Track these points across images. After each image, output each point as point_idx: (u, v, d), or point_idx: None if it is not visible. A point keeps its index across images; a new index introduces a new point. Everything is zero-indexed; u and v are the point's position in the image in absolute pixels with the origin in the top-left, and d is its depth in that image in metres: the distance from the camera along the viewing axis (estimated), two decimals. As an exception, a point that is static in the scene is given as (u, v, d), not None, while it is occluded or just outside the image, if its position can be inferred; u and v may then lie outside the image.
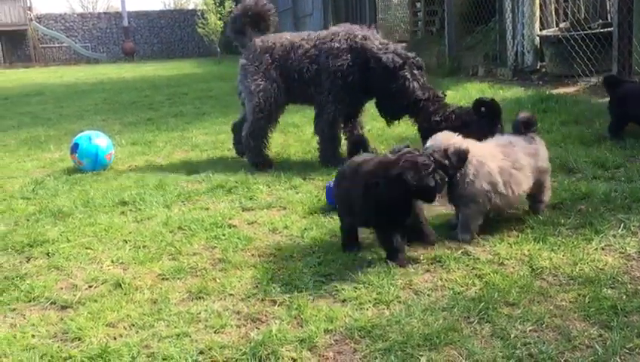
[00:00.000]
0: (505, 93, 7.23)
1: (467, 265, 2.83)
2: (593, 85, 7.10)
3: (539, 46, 8.45)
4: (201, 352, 2.25)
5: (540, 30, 8.45)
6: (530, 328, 2.25)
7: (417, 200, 2.90)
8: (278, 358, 2.18)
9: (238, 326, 2.44)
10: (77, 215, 4.02)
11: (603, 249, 2.89)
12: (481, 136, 3.39)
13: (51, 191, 4.71)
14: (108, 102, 10.97)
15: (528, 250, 2.91)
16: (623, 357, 2.04)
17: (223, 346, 2.27)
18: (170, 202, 4.21)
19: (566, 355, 2.07)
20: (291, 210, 3.86)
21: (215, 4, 24.20)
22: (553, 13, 8.66)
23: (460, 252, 2.97)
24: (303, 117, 6.61)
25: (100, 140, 5.35)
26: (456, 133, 3.17)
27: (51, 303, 2.76)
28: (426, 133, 4.09)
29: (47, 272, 3.11)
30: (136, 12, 34.53)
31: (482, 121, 3.94)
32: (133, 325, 2.49)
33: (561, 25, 8.37)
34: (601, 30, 7.30)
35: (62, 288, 2.92)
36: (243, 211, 3.94)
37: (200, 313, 2.55)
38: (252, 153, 5.07)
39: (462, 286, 2.62)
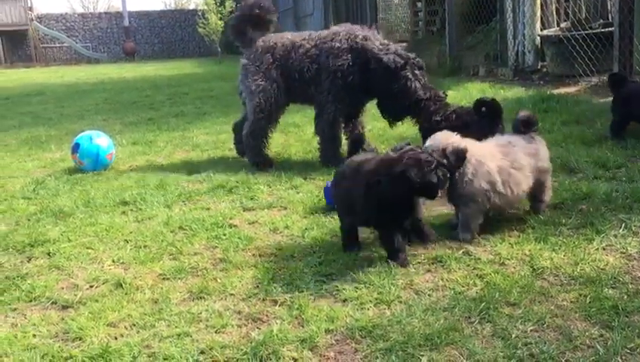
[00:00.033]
0: (506, 93, 7.22)
1: (468, 265, 2.83)
2: (594, 85, 7.10)
3: (540, 46, 8.45)
4: (202, 352, 2.25)
5: (541, 30, 8.45)
6: (532, 328, 2.24)
7: (419, 197, 2.90)
8: (279, 358, 2.18)
9: (239, 326, 2.44)
10: (78, 215, 4.02)
11: (604, 249, 2.88)
12: (481, 135, 3.39)
13: (52, 191, 4.71)
14: (109, 102, 10.97)
15: (529, 250, 2.91)
16: (624, 357, 2.03)
17: (223, 346, 2.27)
18: (171, 202, 4.21)
19: (567, 355, 2.07)
20: (292, 210, 3.86)
21: (216, 4, 24.20)
22: (554, 13, 8.66)
23: (460, 252, 2.97)
24: (304, 117, 6.61)
25: (100, 140, 5.35)
26: (456, 133, 3.18)
27: (52, 303, 2.76)
28: (426, 132, 4.08)
29: (48, 272, 3.12)
30: (137, 12, 34.54)
31: (483, 120, 3.94)
32: (134, 325, 2.49)
33: (562, 25, 8.36)
34: (602, 30, 7.30)
35: (63, 288, 2.92)
36: (244, 211, 3.94)
37: (201, 313, 2.55)
38: (252, 152, 5.08)
39: (463, 286, 2.62)
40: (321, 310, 2.48)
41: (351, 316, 2.43)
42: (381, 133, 5.72)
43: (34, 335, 2.47)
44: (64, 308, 2.71)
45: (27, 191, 4.77)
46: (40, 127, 8.36)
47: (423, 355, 2.12)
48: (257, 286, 2.77)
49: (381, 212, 2.85)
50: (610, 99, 4.93)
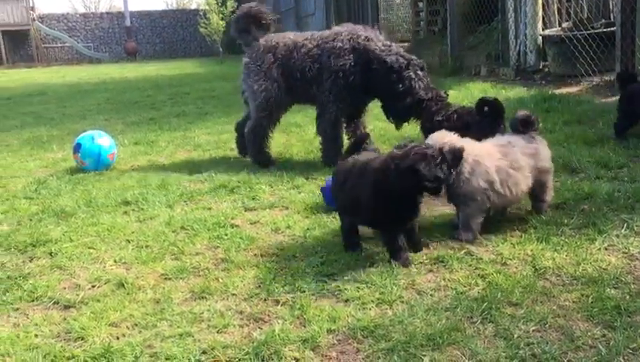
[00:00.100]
0: (507, 93, 7.22)
1: (470, 265, 2.83)
2: (596, 85, 7.09)
3: (541, 46, 8.44)
4: (204, 352, 2.25)
5: (543, 30, 8.44)
6: (534, 328, 2.24)
7: (424, 193, 2.91)
8: (281, 358, 2.18)
9: (241, 326, 2.44)
10: (80, 215, 4.02)
11: (606, 249, 2.88)
12: (482, 135, 3.39)
13: (54, 191, 4.71)
14: (110, 102, 10.98)
15: (531, 250, 2.91)
16: (626, 357, 2.03)
17: (225, 346, 2.27)
18: (173, 202, 4.21)
19: (569, 355, 2.07)
20: (294, 210, 3.86)
21: (217, 4, 24.22)
22: (556, 12, 8.66)
23: (462, 252, 2.97)
24: (305, 116, 6.61)
25: (102, 140, 5.36)
26: (454, 133, 3.19)
27: (54, 303, 2.76)
28: (428, 132, 4.07)
29: (50, 272, 3.12)
30: (138, 12, 34.56)
31: (484, 120, 3.93)
32: (136, 325, 2.49)
33: (564, 24, 8.36)
34: (604, 30, 7.29)
35: (65, 288, 2.92)
36: (245, 211, 3.94)
37: (203, 313, 2.55)
38: (254, 150, 5.12)
39: (465, 286, 2.62)
40: (322, 310, 2.48)
41: (353, 316, 2.43)
42: (382, 133, 5.72)
43: (36, 335, 2.47)
44: (66, 307, 2.71)
45: (29, 191, 4.78)
46: (42, 127, 8.37)
47: (425, 355, 2.12)
48: (259, 286, 2.77)
49: (386, 210, 2.85)
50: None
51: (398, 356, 2.13)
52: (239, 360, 2.20)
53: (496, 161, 3.10)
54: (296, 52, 4.89)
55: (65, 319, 2.59)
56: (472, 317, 2.35)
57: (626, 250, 2.84)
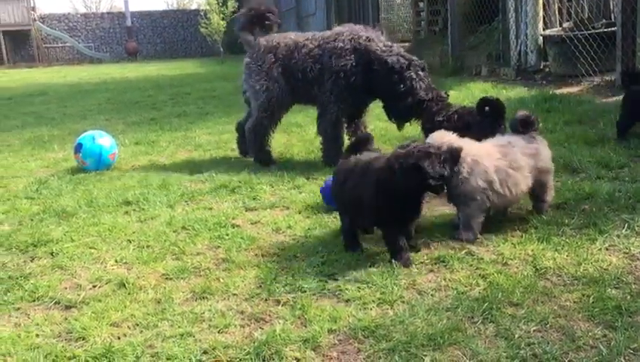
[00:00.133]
0: (508, 93, 7.22)
1: (471, 265, 2.83)
2: (597, 85, 7.09)
3: (542, 46, 8.44)
4: (205, 352, 2.25)
5: (544, 30, 8.44)
6: (534, 328, 2.24)
7: (427, 192, 2.93)
8: (282, 358, 2.18)
9: (242, 326, 2.44)
10: (81, 215, 4.03)
11: (607, 249, 2.88)
12: (482, 135, 3.39)
13: (55, 190, 4.72)
14: (111, 102, 10.99)
15: (532, 250, 2.91)
16: (627, 358, 2.03)
17: (226, 346, 2.28)
18: (174, 202, 4.21)
19: (570, 355, 2.07)
20: (294, 210, 3.86)
21: (218, 4, 24.23)
22: (557, 12, 8.65)
23: (463, 252, 2.97)
24: (306, 116, 6.61)
25: (103, 140, 5.36)
26: (454, 133, 3.19)
27: (55, 303, 2.77)
28: (428, 133, 4.08)
29: (51, 272, 3.12)
30: (139, 12, 34.54)
31: (484, 120, 3.93)
32: (137, 325, 2.50)
33: (565, 25, 8.35)
34: (605, 30, 7.29)
35: (66, 288, 2.93)
36: (246, 211, 3.94)
37: (204, 313, 2.55)
38: (254, 148, 5.15)
39: (465, 286, 2.62)
40: (323, 310, 2.48)
41: (354, 316, 2.43)
42: (383, 133, 5.72)
43: (37, 335, 2.47)
44: (67, 307, 2.72)
45: (30, 191, 4.78)
46: (43, 127, 8.37)
47: (425, 355, 2.12)
48: (260, 286, 2.77)
49: (389, 209, 2.86)
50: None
51: (399, 356, 2.13)
52: (240, 360, 2.20)
53: (496, 161, 3.10)
54: (297, 52, 4.89)
55: (66, 319, 2.59)
56: (472, 317, 2.35)
57: (627, 250, 2.84)
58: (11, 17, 30.48)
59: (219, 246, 3.32)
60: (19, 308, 2.74)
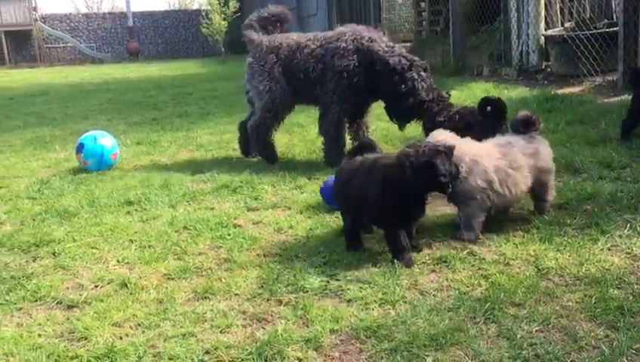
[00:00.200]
0: (510, 93, 7.21)
1: (473, 266, 2.83)
2: (598, 85, 7.09)
3: (544, 46, 8.43)
4: (207, 352, 2.25)
5: (545, 30, 8.43)
6: (537, 328, 2.24)
7: (434, 191, 2.95)
8: (284, 358, 2.18)
9: (244, 326, 2.44)
10: (83, 215, 4.03)
11: (609, 249, 2.88)
12: (483, 135, 3.39)
13: (57, 191, 4.72)
14: (113, 102, 11.00)
15: (534, 250, 2.91)
16: (629, 358, 2.03)
17: (228, 346, 2.28)
18: (176, 202, 4.22)
19: (572, 356, 2.07)
20: (296, 210, 3.86)
21: (219, 4, 24.21)
22: (558, 12, 8.64)
23: (465, 252, 2.97)
24: (308, 117, 6.60)
25: (105, 140, 5.37)
26: (455, 133, 3.20)
27: (57, 303, 2.77)
28: (429, 133, 4.08)
29: (54, 272, 3.12)
30: (140, 12, 34.56)
31: (485, 120, 3.93)
32: (139, 325, 2.50)
33: (567, 24, 8.35)
34: (607, 30, 7.28)
35: (68, 288, 2.93)
36: (248, 211, 3.95)
37: (206, 313, 2.55)
38: (259, 147, 5.21)
39: (467, 287, 2.62)
40: (325, 310, 2.48)
41: (355, 316, 2.43)
42: (385, 134, 5.72)
43: (39, 335, 2.47)
44: (69, 307, 2.72)
45: (32, 191, 4.79)
46: (44, 127, 8.38)
47: (427, 355, 2.12)
48: (262, 286, 2.77)
49: (395, 208, 2.86)
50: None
51: (401, 356, 2.13)
52: (242, 360, 2.20)
53: (495, 160, 3.11)
54: (299, 52, 4.90)
55: (68, 319, 2.60)
56: (474, 318, 2.35)
57: (629, 251, 2.84)
58: (13, 17, 30.51)
59: (221, 247, 3.32)
60: (21, 308, 2.74)
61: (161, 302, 2.69)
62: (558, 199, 3.48)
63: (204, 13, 26.20)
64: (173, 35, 34.38)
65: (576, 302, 2.42)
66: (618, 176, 3.89)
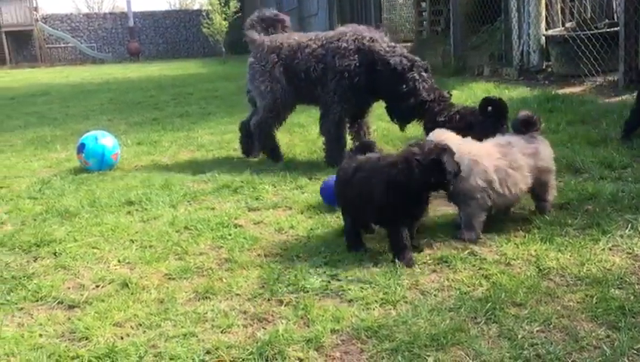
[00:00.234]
0: (511, 93, 7.21)
1: (474, 266, 2.83)
2: (599, 85, 7.08)
3: (545, 46, 8.43)
4: (208, 352, 2.25)
5: (546, 30, 8.43)
6: (538, 328, 2.24)
7: (437, 189, 2.98)
8: (285, 358, 2.18)
9: (245, 326, 2.44)
10: (83, 215, 4.03)
11: (610, 249, 2.88)
12: (484, 135, 3.39)
13: (58, 191, 4.72)
14: (114, 102, 11.00)
15: (535, 251, 2.91)
16: (630, 358, 2.03)
17: (229, 346, 2.28)
18: (177, 202, 4.22)
19: (573, 356, 2.07)
20: (297, 210, 3.86)
21: (220, 4, 24.23)
22: (559, 12, 8.65)
23: (466, 252, 2.97)
24: (309, 117, 6.61)
25: (106, 140, 5.37)
26: (456, 133, 3.20)
27: (58, 303, 2.77)
28: (430, 133, 4.08)
29: (55, 272, 3.12)
30: (141, 12, 34.59)
31: (486, 120, 3.93)
32: (140, 325, 2.50)
33: (567, 24, 8.35)
34: (608, 30, 7.28)
35: (69, 288, 2.93)
36: (249, 211, 3.95)
37: (207, 313, 2.55)
38: (262, 144, 5.26)
39: (468, 287, 2.62)
40: (326, 310, 2.48)
41: (357, 316, 2.43)
42: (386, 134, 5.72)
43: (40, 335, 2.47)
44: (70, 307, 2.72)
45: (33, 191, 4.79)
46: (45, 127, 8.38)
47: (429, 355, 2.12)
48: (263, 286, 2.77)
49: (399, 206, 2.87)
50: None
51: (402, 356, 2.13)
52: (243, 360, 2.20)
53: (495, 160, 3.11)
54: (301, 52, 4.90)
55: (69, 319, 2.60)
56: (475, 318, 2.35)
57: (631, 251, 2.84)
58: (14, 18, 30.54)
59: (221, 247, 3.32)
60: (22, 308, 2.74)
61: (162, 302, 2.69)
62: (559, 199, 3.48)
63: (204, 13, 26.23)
64: (174, 35, 34.41)
65: (578, 302, 2.41)
66: (619, 176, 3.89)
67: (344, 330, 2.33)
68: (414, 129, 5.02)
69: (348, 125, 5.05)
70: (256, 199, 4.17)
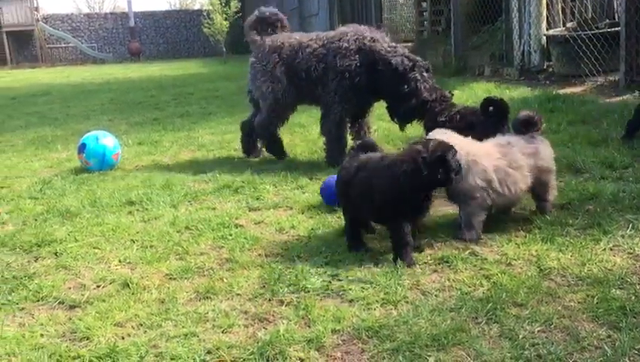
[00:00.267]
0: (511, 93, 7.21)
1: (475, 266, 2.83)
2: (600, 85, 7.08)
3: (545, 46, 8.42)
4: (209, 352, 2.25)
5: (547, 30, 8.43)
6: (539, 329, 2.24)
7: (442, 185, 3.00)
8: (286, 358, 2.18)
9: (246, 326, 2.44)
10: (84, 215, 4.03)
11: (611, 249, 2.88)
12: (485, 135, 3.39)
13: (59, 191, 4.72)
14: (114, 102, 11.00)
15: (536, 251, 2.91)
16: (632, 358, 2.03)
17: (230, 346, 2.28)
18: (177, 202, 4.22)
19: (575, 356, 2.06)
20: (298, 210, 3.86)
21: (221, 4, 24.25)
22: (560, 12, 8.64)
23: (467, 252, 2.97)
24: (310, 117, 6.61)
25: (107, 140, 5.37)
26: (450, 131, 3.22)
27: (59, 303, 2.77)
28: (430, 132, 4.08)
29: (56, 272, 3.12)
30: (142, 12, 34.61)
31: (487, 120, 3.92)
32: (141, 325, 2.50)
33: (568, 24, 8.34)
34: (609, 30, 7.28)
35: (70, 288, 2.93)
36: (250, 211, 3.95)
37: (207, 313, 2.55)
38: (266, 143, 5.31)
39: (469, 287, 2.62)
40: (327, 310, 2.48)
41: (357, 316, 2.43)
42: (386, 134, 5.72)
43: (41, 335, 2.48)
44: (71, 307, 2.72)
45: (34, 191, 4.79)
46: (46, 127, 8.39)
47: (429, 356, 2.12)
48: (264, 286, 2.77)
49: (404, 204, 2.88)
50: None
51: (403, 356, 2.12)
52: (244, 360, 2.20)
53: (495, 160, 3.12)
54: (301, 52, 4.91)
55: (70, 319, 2.60)
56: (476, 318, 2.35)
57: (632, 251, 2.84)
58: (15, 18, 30.56)
59: (222, 247, 3.32)
60: (23, 308, 2.74)
61: (162, 302, 2.69)
62: (560, 199, 3.48)
63: (205, 13, 26.26)
64: (175, 35, 34.43)
65: (579, 303, 2.41)
66: (620, 176, 3.89)
67: (345, 330, 2.33)
68: (415, 129, 5.02)
69: (349, 125, 5.05)
70: (257, 199, 4.17)
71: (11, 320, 2.64)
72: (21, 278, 3.05)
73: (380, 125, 5.92)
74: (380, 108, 5.14)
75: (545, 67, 8.49)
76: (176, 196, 4.33)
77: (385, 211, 2.96)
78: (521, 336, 2.19)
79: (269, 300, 2.64)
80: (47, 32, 32.01)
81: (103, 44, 33.52)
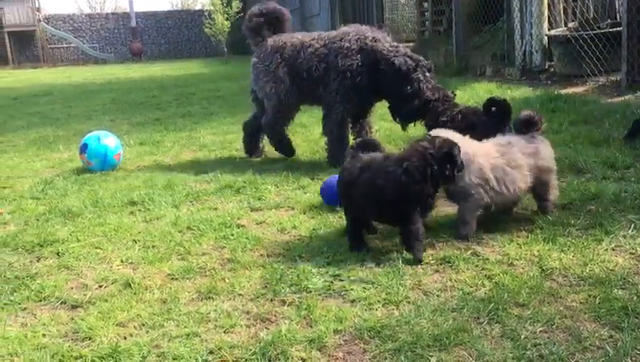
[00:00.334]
0: (513, 93, 7.20)
1: (476, 266, 2.83)
2: (602, 85, 7.07)
3: (547, 46, 8.42)
4: (211, 352, 2.26)
5: (549, 30, 8.42)
6: (541, 329, 2.24)
7: (446, 182, 3.04)
8: (288, 358, 2.18)
9: (248, 326, 2.44)
10: (86, 215, 4.04)
11: (613, 249, 2.87)
12: (486, 135, 3.39)
13: (61, 191, 4.73)
14: (116, 103, 11.01)
15: (538, 251, 2.91)
16: (634, 359, 2.02)
17: (232, 346, 2.28)
18: (179, 202, 4.22)
19: (577, 356, 2.06)
20: (299, 210, 3.86)
21: (222, 4, 24.27)
22: (562, 12, 8.63)
23: (469, 252, 2.97)
24: (311, 117, 6.62)
25: (108, 140, 5.38)
26: (450, 130, 3.23)
27: (62, 303, 2.77)
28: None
29: (58, 272, 3.13)
30: (143, 12, 34.65)
31: (488, 120, 3.92)
32: (144, 325, 2.50)
33: (570, 24, 8.33)
34: (610, 30, 7.27)
35: (72, 288, 2.93)
36: (251, 211, 3.95)
37: (209, 313, 2.55)
38: (275, 142, 5.31)
39: (471, 287, 2.62)
40: (329, 310, 2.48)
41: (359, 316, 2.43)
42: (388, 134, 5.72)
43: (44, 335, 2.48)
44: (73, 307, 2.72)
45: (36, 191, 4.80)
46: (48, 127, 8.40)
47: (431, 356, 2.12)
48: (265, 287, 2.77)
49: (412, 202, 2.89)
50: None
51: (405, 356, 2.13)
52: (246, 360, 2.20)
53: (492, 159, 3.13)
54: (303, 52, 4.91)
55: (72, 319, 2.60)
56: (478, 318, 2.35)
57: (634, 251, 2.84)
58: (16, 18, 30.61)
59: (224, 247, 3.32)
60: (25, 308, 2.75)
61: (164, 302, 2.69)
62: (562, 199, 3.48)
63: (206, 14, 26.27)
64: (176, 36, 34.46)
65: (581, 303, 2.41)
66: (622, 176, 3.88)
67: (347, 330, 2.34)
68: (416, 129, 5.02)
69: (350, 125, 5.05)
70: (259, 199, 4.17)
71: (14, 320, 2.64)
72: (23, 278, 3.05)
73: (382, 125, 5.92)
74: (381, 108, 5.14)
75: (546, 67, 8.48)
76: (178, 196, 4.34)
77: (392, 211, 2.96)
78: (523, 336, 2.19)
79: (271, 300, 2.64)
80: (49, 33, 32.05)
81: (104, 45, 33.57)
